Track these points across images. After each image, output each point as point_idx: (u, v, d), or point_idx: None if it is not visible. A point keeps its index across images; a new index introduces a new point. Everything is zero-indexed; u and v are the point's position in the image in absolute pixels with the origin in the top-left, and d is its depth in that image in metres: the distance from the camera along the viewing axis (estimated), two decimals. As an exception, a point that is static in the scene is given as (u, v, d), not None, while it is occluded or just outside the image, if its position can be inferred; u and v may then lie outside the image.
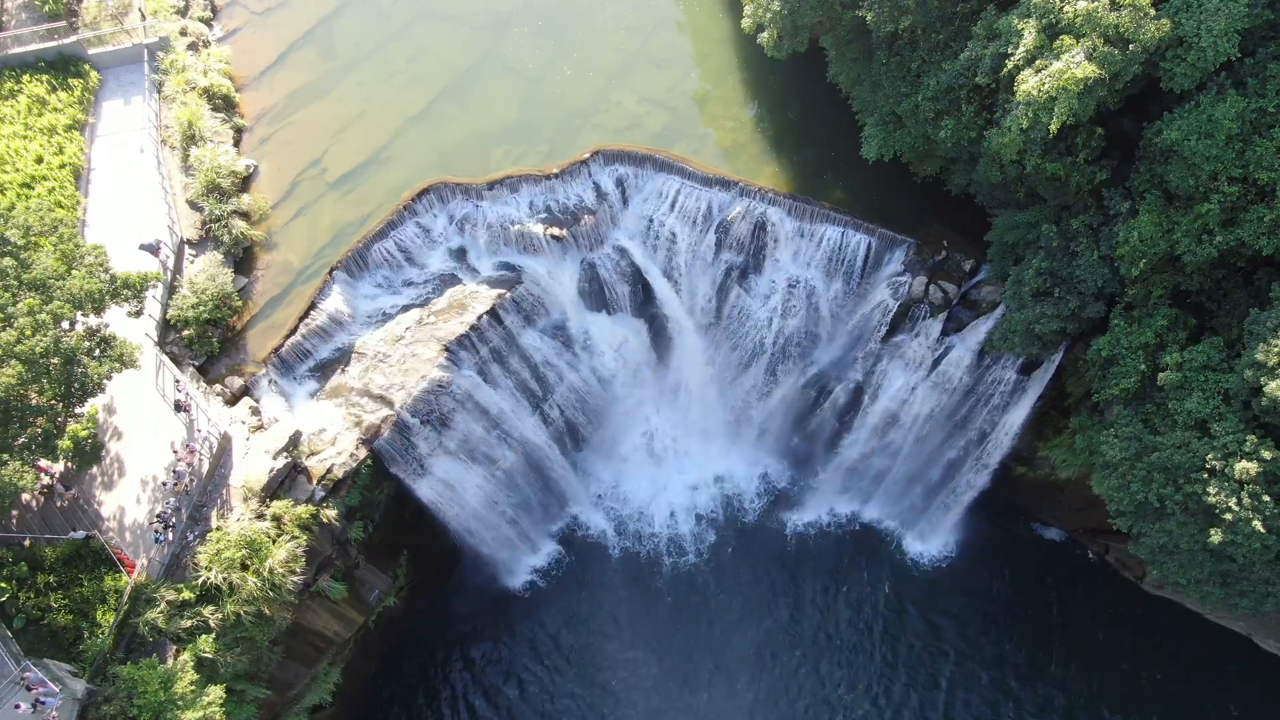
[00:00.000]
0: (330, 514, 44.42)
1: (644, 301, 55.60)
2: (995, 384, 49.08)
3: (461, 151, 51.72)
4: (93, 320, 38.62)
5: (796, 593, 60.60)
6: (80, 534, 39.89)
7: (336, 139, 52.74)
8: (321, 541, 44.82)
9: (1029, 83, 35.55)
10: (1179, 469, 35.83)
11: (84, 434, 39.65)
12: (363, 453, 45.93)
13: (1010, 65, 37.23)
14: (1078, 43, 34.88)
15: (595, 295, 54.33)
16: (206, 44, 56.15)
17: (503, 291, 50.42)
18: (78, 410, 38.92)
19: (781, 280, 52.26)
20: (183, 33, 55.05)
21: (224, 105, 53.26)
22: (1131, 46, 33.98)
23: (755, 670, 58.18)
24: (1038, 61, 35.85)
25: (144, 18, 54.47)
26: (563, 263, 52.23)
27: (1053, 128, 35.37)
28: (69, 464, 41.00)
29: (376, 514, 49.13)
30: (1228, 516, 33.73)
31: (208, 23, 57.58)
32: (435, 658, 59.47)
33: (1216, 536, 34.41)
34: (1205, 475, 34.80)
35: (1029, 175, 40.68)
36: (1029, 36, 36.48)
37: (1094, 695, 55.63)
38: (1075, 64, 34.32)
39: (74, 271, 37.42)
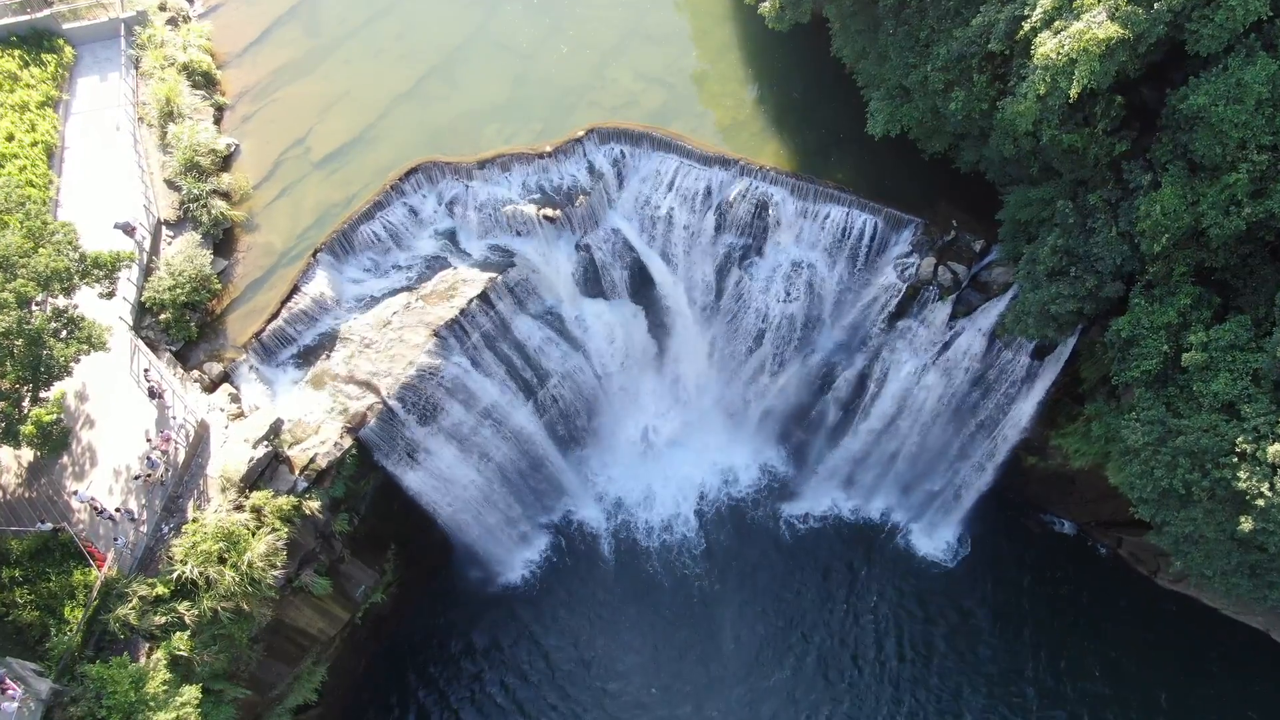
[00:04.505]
0: (313, 505, 42.50)
1: (641, 286, 53.72)
2: (1006, 370, 47.31)
3: (451, 130, 49.85)
4: (61, 301, 36.72)
5: (799, 588, 58.81)
6: (48, 526, 37.91)
7: (321, 117, 50.86)
8: (304, 534, 42.98)
9: (1047, 45, 33.65)
10: (1206, 453, 34.02)
11: (49, 419, 37.77)
12: (347, 442, 44.13)
13: (1027, 28, 35.32)
14: (1099, 2, 33.01)
15: (590, 279, 52.45)
16: (186, 19, 54.25)
17: (494, 275, 48.64)
18: (43, 395, 37.10)
19: (784, 263, 50.39)
20: (161, 7, 53.16)
21: (204, 82, 51.33)
22: (1156, 5, 32.09)
23: (757, 667, 56.42)
24: (1056, 23, 33.96)
25: (121, -9, 52.67)
26: (556, 245, 50.37)
27: (1073, 93, 33.42)
28: (36, 452, 39.07)
29: (362, 506, 47.33)
30: (1260, 503, 31.90)
31: (188, -2, 55.77)
32: (426, 654, 57.64)
33: (1247, 524, 32.60)
34: (1235, 459, 32.97)
35: (1044, 148, 38.81)
36: (1047, -2, 34.60)
37: (1105, 692, 53.89)
38: (1097, 24, 32.37)
39: (41, 249, 35.54)
